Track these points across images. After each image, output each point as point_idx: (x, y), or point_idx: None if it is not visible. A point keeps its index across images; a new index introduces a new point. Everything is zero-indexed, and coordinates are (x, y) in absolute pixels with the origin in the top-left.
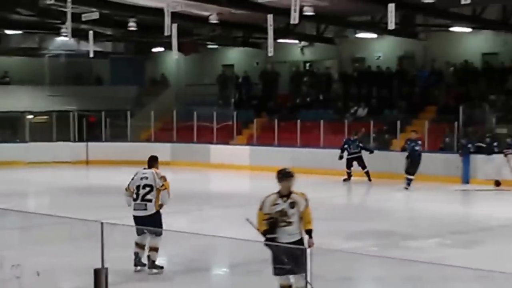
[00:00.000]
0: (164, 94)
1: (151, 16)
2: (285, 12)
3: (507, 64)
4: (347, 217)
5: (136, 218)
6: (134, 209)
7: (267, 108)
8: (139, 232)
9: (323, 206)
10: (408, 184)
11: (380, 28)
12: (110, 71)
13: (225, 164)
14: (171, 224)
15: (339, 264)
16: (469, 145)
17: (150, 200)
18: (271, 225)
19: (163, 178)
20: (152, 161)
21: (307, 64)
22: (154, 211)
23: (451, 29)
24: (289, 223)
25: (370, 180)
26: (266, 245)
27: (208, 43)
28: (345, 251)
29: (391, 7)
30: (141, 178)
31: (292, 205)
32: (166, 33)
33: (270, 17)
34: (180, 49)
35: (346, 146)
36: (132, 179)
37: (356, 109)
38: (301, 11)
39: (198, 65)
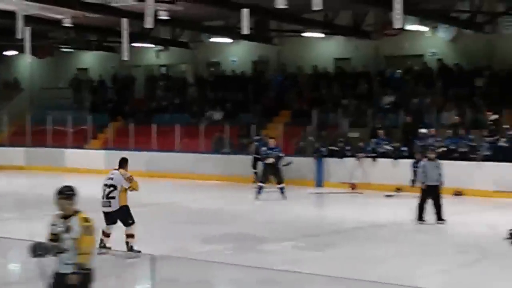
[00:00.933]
0: (18, 98)
1: (3, 19)
2: (140, 16)
3: (358, 69)
4: (204, 221)
5: (105, 214)
6: (102, 206)
7: (123, 112)
8: (108, 223)
9: (180, 210)
10: (259, 193)
11: (234, 33)
12: None
13: (81, 168)
14: (26, 229)
15: (196, 268)
16: (323, 149)
17: (113, 198)
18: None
19: (129, 179)
20: (122, 163)
21: (163, 68)
22: (118, 207)
23: (304, 34)
24: (64, 250)
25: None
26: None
27: (63, 46)
28: (195, 258)
29: (245, 12)
30: (108, 178)
31: (68, 229)
32: (18, 36)
33: (124, 21)
34: (34, 52)
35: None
36: None
37: (212, 113)
38: (156, 15)
39: (52, 68)
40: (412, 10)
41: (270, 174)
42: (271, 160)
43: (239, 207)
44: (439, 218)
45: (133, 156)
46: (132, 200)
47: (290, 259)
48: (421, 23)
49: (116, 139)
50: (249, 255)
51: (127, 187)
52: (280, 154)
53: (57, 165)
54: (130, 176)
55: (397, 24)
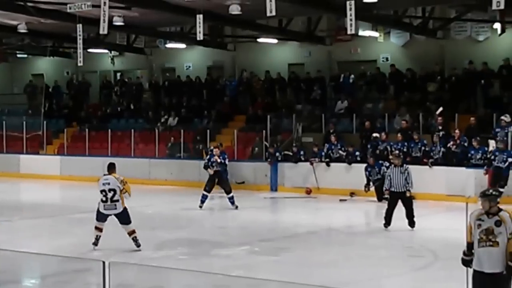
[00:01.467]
0: None
1: None
2: (95, 22)
3: (312, 74)
4: (158, 226)
5: (105, 215)
6: (105, 209)
7: (78, 117)
8: (101, 220)
9: (135, 215)
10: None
11: (189, 38)
12: None
13: (36, 174)
14: None
15: (150, 274)
16: (277, 154)
17: (117, 200)
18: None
19: (123, 182)
20: (110, 167)
21: (118, 74)
22: (122, 208)
23: (259, 40)
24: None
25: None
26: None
27: (17, 52)
28: (149, 264)
29: (200, 18)
30: (103, 184)
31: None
32: None
33: (79, 26)
34: None
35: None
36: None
37: (167, 118)
38: (110, 21)
39: (7, 74)
40: (365, 15)
41: (215, 184)
42: (211, 172)
43: (194, 212)
44: (410, 223)
45: (88, 162)
46: (88, 205)
47: (244, 264)
48: (374, 29)
49: (71, 144)
50: (203, 260)
51: (121, 189)
52: (226, 162)
53: (11, 171)
54: (124, 179)
55: (350, 30)
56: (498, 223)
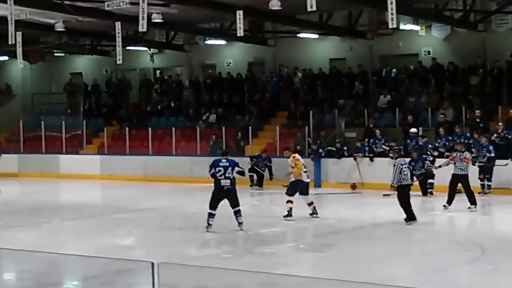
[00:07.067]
0: (10, 104)
1: None
2: (134, 19)
3: (353, 69)
4: (201, 225)
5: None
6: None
7: (118, 116)
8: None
9: (178, 214)
10: None
11: (229, 34)
12: None
13: (76, 174)
14: (21, 237)
15: (195, 274)
16: (320, 150)
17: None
18: None
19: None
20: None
21: (157, 71)
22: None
23: (299, 35)
24: None
25: None
26: None
27: (55, 51)
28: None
29: (240, 14)
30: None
31: None
32: (10, 42)
33: (118, 24)
34: (26, 57)
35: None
36: None
37: (208, 116)
38: (149, 18)
39: (45, 73)
40: (406, 9)
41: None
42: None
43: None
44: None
45: (129, 161)
46: (130, 205)
47: (290, 261)
48: (415, 23)
49: (111, 143)
50: (248, 259)
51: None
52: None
53: (51, 171)
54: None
55: (391, 24)
56: None
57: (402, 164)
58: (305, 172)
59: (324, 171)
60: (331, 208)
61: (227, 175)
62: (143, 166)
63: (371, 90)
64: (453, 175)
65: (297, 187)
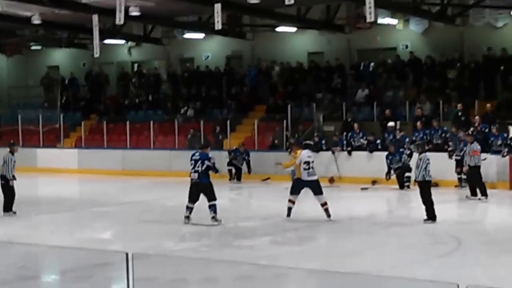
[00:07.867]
0: None
1: None
2: (111, 12)
3: (332, 63)
4: (179, 219)
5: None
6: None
7: (95, 109)
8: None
9: (156, 208)
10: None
11: (207, 28)
12: None
13: (53, 168)
14: None
15: (172, 265)
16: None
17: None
18: None
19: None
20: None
21: (135, 65)
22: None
23: (277, 29)
24: None
25: None
26: None
27: (32, 44)
28: (171, 255)
29: (218, 7)
30: (308, 156)
31: None
32: None
33: (95, 17)
34: (2, 50)
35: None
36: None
37: (186, 109)
38: (127, 11)
39: (21, 66)
40: (384, 3)
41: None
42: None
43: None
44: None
45: (107, 155)
46: (108, 199)
47: (268, 254)
48: (393, 16)
49: (89, 137)
50: (226, 252)
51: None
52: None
53: (29, 165)
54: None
55: (369, 18)
56: None
57: (428, 159)
58: (306, 169)
59: None
60: (309, 202)
61: (196, 168)
62: (121, 159)
63: (349, 84)
64: (470, 167)
65: (299, 187)
